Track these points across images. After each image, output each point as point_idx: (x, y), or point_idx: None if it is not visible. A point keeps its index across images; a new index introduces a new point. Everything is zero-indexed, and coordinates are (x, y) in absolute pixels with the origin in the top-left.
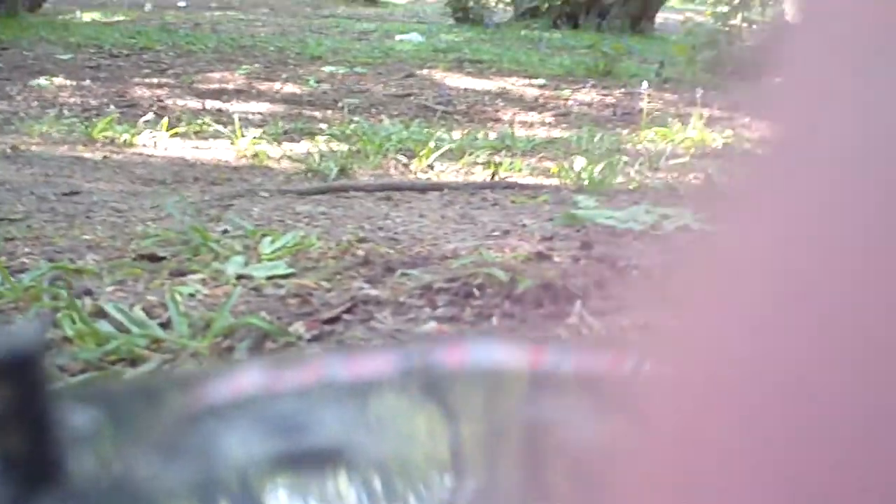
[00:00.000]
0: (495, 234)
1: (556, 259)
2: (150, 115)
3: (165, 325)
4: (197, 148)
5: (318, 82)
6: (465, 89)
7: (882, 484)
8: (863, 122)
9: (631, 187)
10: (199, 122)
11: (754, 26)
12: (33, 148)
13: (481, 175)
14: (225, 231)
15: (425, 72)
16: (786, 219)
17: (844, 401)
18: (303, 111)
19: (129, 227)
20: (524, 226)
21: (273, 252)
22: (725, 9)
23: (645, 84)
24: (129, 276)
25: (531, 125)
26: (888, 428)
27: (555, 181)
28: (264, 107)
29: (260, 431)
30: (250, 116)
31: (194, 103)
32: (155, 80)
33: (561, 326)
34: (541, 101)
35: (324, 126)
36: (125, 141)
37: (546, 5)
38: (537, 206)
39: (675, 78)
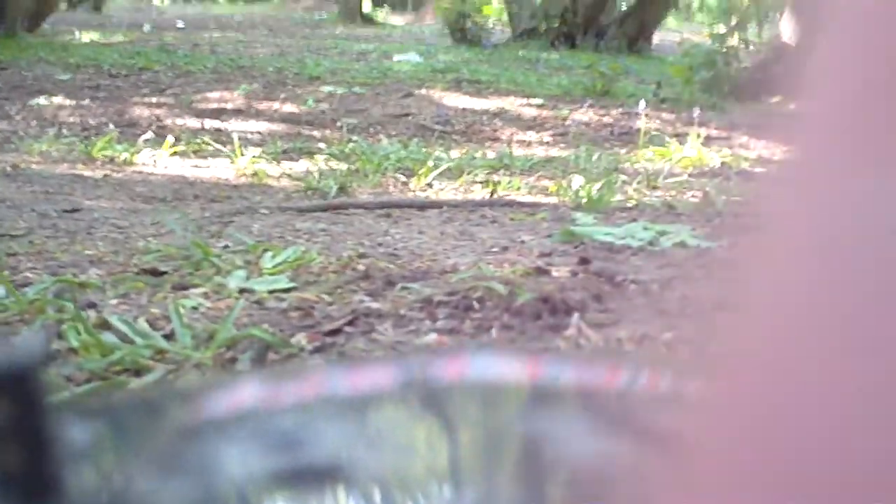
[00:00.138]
0: (494, 249)
1: (555, 274)
2: (149, 134)
3: (169, 337)
4: (196, 166)
5: (316, 102)
6: (464, 109)
7: None
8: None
9: (629, 205)
10: (199, 141)
11: (751, 47)
12: (33, 166)
13: (480, 193)
14: (226, 246)
15: (423, 92)
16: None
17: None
18: (301, 130)
19: (130, 243)
20: (523, 242)
21: (274, 266)
22: (722, 30)
23: (642, 104)
24: (133, 289)
25: (529, 144)
26: None
27: (553, 199)
28: (263, 126)
29: (259, 446)
30: (249, 136)
31: (193, 122)
32: (154, 100)
33: (559, 338)
34: (539, 120)
35: (322, 145)
36: (125, 159)
37: (544, 26)
38: (536, 224)
39: (672, 98)
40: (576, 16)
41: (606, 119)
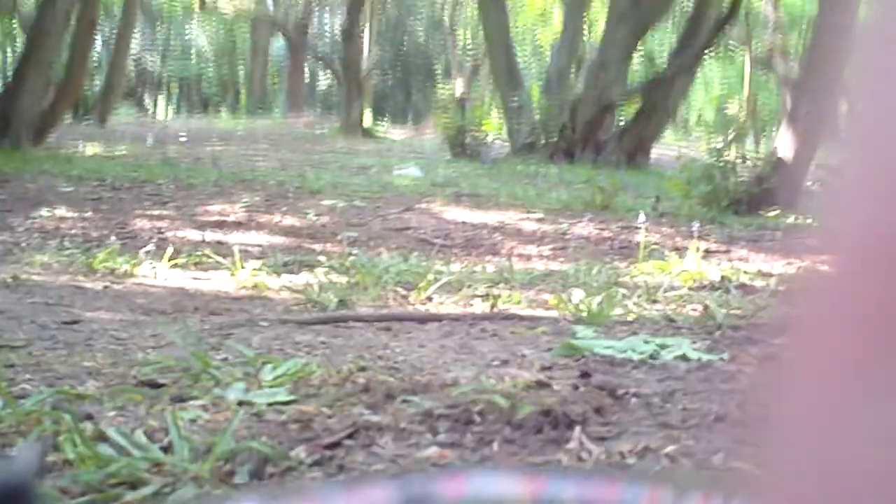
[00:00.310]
0: (495, 363)
1: (556, 387)
2: (150, 246)
3: (167, 449)
4: (197, 279)
5: (317, 215)
6: (463, 222)
7: None
8: None
9: (629, 318)
10: (200, 253)
11: (748, 161)
12: (34, 278)
13: (480, 307)
14: (225, 359)
15: (423, 205)
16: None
17: None
18: (302, 243)
19: (129, 355)
20: (523, 356)
21: (274, 379)
22: (719, 144)
23: (642, 217)
24: (130, 401)
25: (529, 258)
26: None
27: (553, 313)
28: (264, 239)
29: None
30: (250, 248)
31: (195, 235)
32: (156, 212)
33: (561, 452)
34: (539, 234)
35: (323, 258)
36: (125, 271)
37: (543, 141)
38: (536, 337)
39: (671, 212)
40: (574, 131)
41: (606, 233)
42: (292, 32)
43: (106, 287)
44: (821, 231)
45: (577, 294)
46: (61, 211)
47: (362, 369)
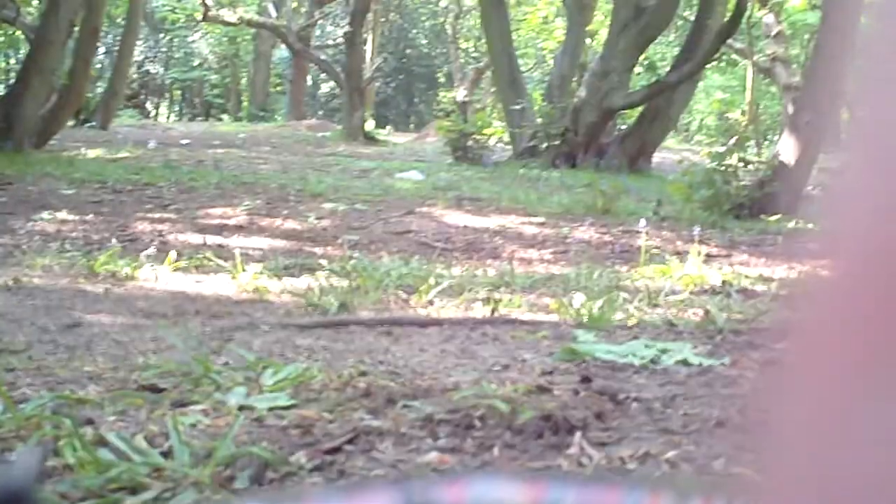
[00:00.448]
0: (496, 368)
1: (557, 392)
2: (151, 250)
3: (167, 454)
4: (198, 282)
5: (318, 219)
6: (465, 226)
7: None
8: None
9: (630, 323)
10: (201, 256)
11: (750, 166)
12: (35, 281)
13: (481, 311)
14: (226, 363)
15: (425, 209)
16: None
17: None
18: (303, 247)
19: (130, 359)
20: (524, 360)
21: (275, 383)
22: (721, 149)
23: (643, 222)
24: (131, 406)
25: (530, 262)
26: None
27: (554, 317)
28: (265, 242)
29: None
30: (251, 251)
31: (196, 238)
32: (157, 215)
33: (562, 457)
34: (540, 238)
35: (324, 262)
36: (126, 274)
37: (544, 145)
38: (537, 342)
39: (672, 216)
40: (576, 135)
41: (607, 237)
42: (295, 41)
43: (107, 290)
44: (822, 236)
45: (578, 298)
46: (62, 214)
47: (363, 374)
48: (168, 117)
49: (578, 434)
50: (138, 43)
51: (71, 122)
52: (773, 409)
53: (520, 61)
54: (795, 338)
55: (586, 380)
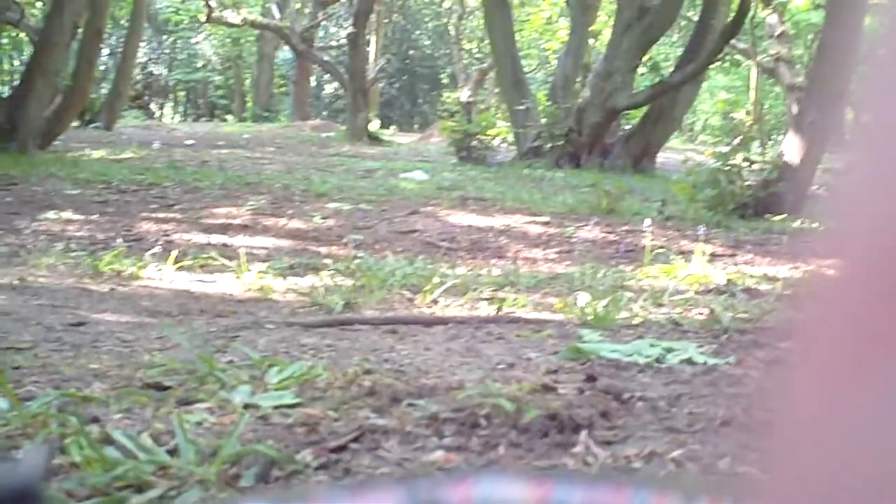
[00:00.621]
0: (501, 366)
1: (562, 391)
2: (156, 249)
3: (173, 452)
4: (202, 281)
5: (322, 218)
6: (469, 226)
7: None
8: None
9: (635, 322)
10: (205, 256)
11: (754, 165)
12: (40, 280)
13: (486, 310)
14: (231, 361)
15: (429, 209)
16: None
17: None
18: (308, 246)
19: (135, 357)
20: (529, 359)
21: (280, 382)
22: (726, 149)
23: (647, 221)
24: (136, 404)
25: (535, 261)
26: None
27: (559, 316)
28: (270, 242)
29: None
30: (255, 251)
31: (200, 238)
32: (162, 215)
33: (567, 456)
34: (544, 238)
35: (328, 261)
36: (131, 274)
37: (548, 145)
38: (542, 341)
39: (677, 216)
40: (581, 135)
41: (612, 236)
42: (298, 43)
43: (112, 289)
44: (827, 236)
45: (583, 297)
46: (67, 214)
47: (368, 372)
48: (172, 118)
49: (584, 433)
50: (142, 44)
51: (75, 123)
52: (778, 408)
53: (523, 62)
54: (800, 337)
55: (591, 379)
